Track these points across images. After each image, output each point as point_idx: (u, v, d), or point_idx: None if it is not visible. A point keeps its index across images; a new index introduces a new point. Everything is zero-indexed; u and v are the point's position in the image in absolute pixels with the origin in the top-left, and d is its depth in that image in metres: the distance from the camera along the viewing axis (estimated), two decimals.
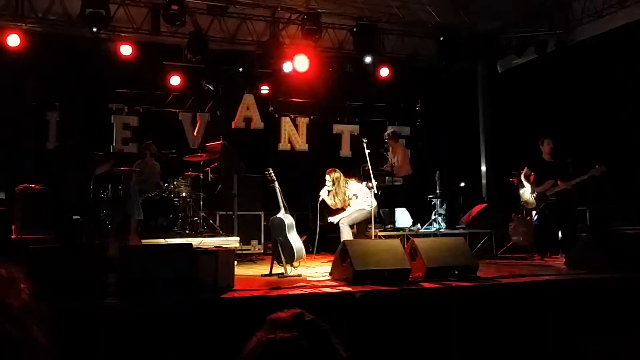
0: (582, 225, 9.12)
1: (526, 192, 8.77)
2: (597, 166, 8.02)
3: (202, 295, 4.90)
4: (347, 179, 7.91)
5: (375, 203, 7.85)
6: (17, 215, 7.20)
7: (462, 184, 11.35)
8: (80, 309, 4.39)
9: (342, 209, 7.92)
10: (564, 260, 7.39)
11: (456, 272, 5.94)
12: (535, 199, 8.60)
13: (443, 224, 10.12)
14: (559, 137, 8.63)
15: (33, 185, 7.51)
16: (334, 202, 7.82)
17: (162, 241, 7.72)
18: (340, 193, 7.81)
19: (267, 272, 6.59)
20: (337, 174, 7.83)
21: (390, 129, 11.19)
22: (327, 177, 7.83)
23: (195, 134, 10.90)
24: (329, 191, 7.83)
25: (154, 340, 4.36)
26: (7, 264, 1.10)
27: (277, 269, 6.57)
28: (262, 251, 8.90)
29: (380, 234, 8.34)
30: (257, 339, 1.28)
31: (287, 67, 10.41)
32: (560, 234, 8.38)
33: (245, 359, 1.26)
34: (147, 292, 4.71)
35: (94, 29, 8.92)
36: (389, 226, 9.75)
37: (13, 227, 7.11)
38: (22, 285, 1.08)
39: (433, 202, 10.36)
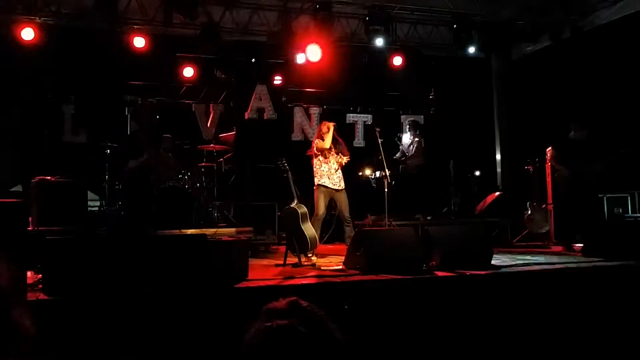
0: (599, 212, 9.01)
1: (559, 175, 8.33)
2: (622, 150, 7.87)
3: (217, 286, 4.93)
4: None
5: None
6: (34, 207, 7.26)
7: (477, 173, 11.29)
8: (97, 300, 4.45)
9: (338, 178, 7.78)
10: (580, 247, 7.34)
11: (470, 261, 5.93)
12: (568, 179, 8.17)
13: None
14: (586, 124, 8.46)
15: (49, 177, 7.57)
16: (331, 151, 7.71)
17: (176, 232, 7.76)
18: (338, 143, 7.76)
19: (281, 262, 6.62)
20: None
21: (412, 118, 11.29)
22: (323, 127, 7.75)
23: (208, 124, 10.93)
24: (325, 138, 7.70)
25: (169, 330, 4.40)
26: None
27: (291, 259, 6.59)
28: (276, 241, 8.92)
29: (394, 222, 8.32)
30: (255, 329, 1.29)
31: (300, 58, 10.39)
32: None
33: (246, 348, 1.27)
34: (163, 283, 4.75)
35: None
36: None
37: (30, 218, 7.18)
38: (1, 267, 1.04)
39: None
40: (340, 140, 7.77)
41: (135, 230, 7.65)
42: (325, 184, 7.60)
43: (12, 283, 1.02)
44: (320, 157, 7.65)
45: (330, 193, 7.64)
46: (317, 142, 7.66)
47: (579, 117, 8.44)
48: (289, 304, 1.33)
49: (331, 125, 7.67)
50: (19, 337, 0.99)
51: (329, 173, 7.63)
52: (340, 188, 7.67)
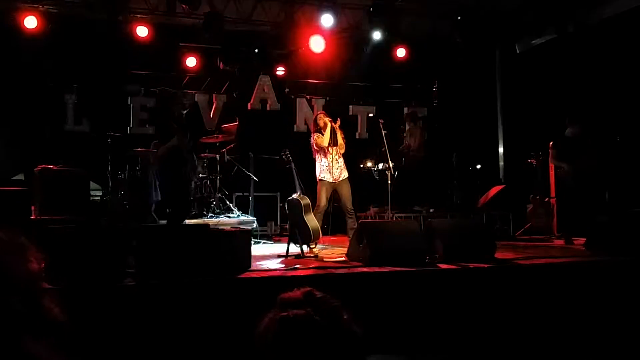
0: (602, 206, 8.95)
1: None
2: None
3: (220, 276, 4.92)
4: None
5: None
6: (36, 196, 7.26)
7: (479, 166, 11.26)
8: (99, 289, 4.45)
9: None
10: (583, 242, 7.31)
11: (473, 253, 5.92)
12: (572, 175, 8.00)
13: None
14: (579, 119, 8.42)
15: (51, 166, 7.56)
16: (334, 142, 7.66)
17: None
18: (337, 134, 7.69)
19: (284, 253, 6.62)
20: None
21: (410, 109, 11.22)
22: (320, 122, 7.69)
23: (211, 115, 10.90)
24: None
25: (172, 321, 4.40)
26: (11, 229, 1.03)
27: (294, 250, 6.59)
28: (278, 232, 8.93)
29: (397, 215, 8.31)
30: (270, 318, 1.29)
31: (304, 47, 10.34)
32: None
33: (259, 337, 1.27)
34: (165, 273, 4.75)
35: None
36: None
37: (32, 207, 7.18)
38: (30, 253, 1.02)
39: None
40: (336, 129, 7.71)
41: (138, 220, 7.64)
42: (326, 179, 7.61)
43: (42, 269, 1.01)
44: (320, 152, 7.67)
45: (332, 186, 7.64)
46: (316, 139, 7.66)
47: (571, 113, 8.36)
48: (304, 294, 1.33)
49: (328, 121, 7.65)
50: (50, 324, 0.97)
51: (329, 167, 7.62)
52: (341, 179, 7.66)
